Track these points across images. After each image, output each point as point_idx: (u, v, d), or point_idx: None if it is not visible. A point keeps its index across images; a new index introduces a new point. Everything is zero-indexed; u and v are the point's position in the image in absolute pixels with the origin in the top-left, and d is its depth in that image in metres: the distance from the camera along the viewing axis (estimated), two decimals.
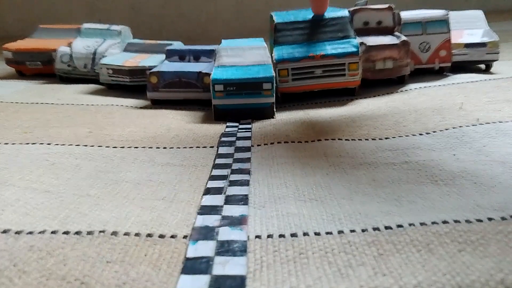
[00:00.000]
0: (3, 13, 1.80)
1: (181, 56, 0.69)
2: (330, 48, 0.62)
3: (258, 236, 0.28)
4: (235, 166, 0.41)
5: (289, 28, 0.66)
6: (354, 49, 0.61)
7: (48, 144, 0.47)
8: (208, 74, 0.61)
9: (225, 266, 0.25)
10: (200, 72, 0.63)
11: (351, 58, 0.61)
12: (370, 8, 0.70)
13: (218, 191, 0.35)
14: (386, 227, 0.28)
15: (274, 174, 0.38)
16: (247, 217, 0.31)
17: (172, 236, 0.29)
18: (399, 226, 0.28)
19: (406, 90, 0.65)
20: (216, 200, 0.34)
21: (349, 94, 0.65)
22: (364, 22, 0.70)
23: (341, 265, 0.25)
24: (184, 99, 0.64)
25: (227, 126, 0.54)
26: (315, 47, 0.63)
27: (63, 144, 0.47)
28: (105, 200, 0.34)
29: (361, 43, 0.64)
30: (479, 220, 0.29)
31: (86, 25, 0.89)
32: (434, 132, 0.47)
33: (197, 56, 0.69)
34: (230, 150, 0.45)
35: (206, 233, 0.29)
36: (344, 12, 0.67)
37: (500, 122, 0.48)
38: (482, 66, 0.75)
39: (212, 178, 0.38)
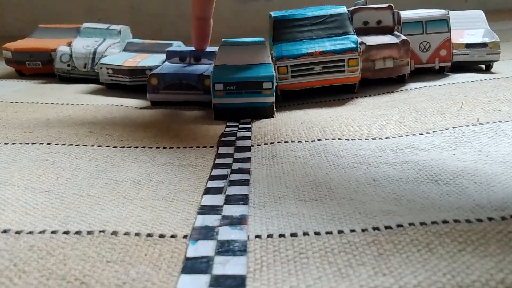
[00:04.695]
0: (3, 13, 1.80)
1: (182, 57, 0.69)
2: (329, 44, 0.62)
3: (258, 236, 0.28)
4: (235, 165, 0.41)
5: (288, 26, 0.66)
6: (353, 45, 0.61)
7: (48, 144, 0.47)
8: (209, 77, 0.61)
9: (225, 266, 0.25)
10: (200, 74, 0.62)
11: (350, 54, 0.61)
12: (370, 8, 0.70)
13: (218, 190, 0.35)
14: (386, 227, 0.28)
15: (274, 174, 0.38)
16: (247, 217, 0.31)
17: (172, 236, 0.29)
18: (399, 225, 0.28)
19: (406, 90, 0.65)
20: (216, 199, 0.34)
21: (349, 91, 0.65)
22: (363, 21, 0.70)
23: (341, 265, 0.25)
24: (184, 101, 0.64)
25: (227, 126, 0.54)
26: (314, 43, 0.63)
27: (63, 144, 0.47)
28: (105, 200, 0.34)
29: (361, 43, 0.64)
30: (479, 220, 0.29)
31: (85, 25, 0.89)
32: (434, 131, 0.47)
33: (197, 57, 0.69)
34: (230, 149, 0.45)
35: (206, 232, 0.29)
36: (343, 9, 0.67)
37: (500, 122, 0.48)
38: (482, 66, 0.75)
39: (212, 177, 0.38)
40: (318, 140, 0.46)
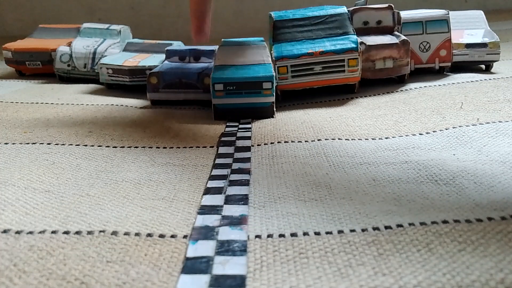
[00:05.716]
0: (3, 13, 1.80)
1: (181, 56, 0.69)
2: (329, 44, 0.62)
3: (258, 236, 0.28)
4: (235, 165, 0.41)
5: (288, 26, 0.66)
6: (353, 45, 0.61)
7: (48, 144, 0.47)
8: (208, 75, 0.61)
9: (225, 266, 0.25)
10: (200, 73, 0.63)
11: (350, 54, 0.61)
12: (370, 8, 0.70)
13: (218, 190, 0.35)
14: (386, 227, 0.28)
15: (274, 174, 0.38)
16: (247, 217, 0.31)
17: (172, 236, 0.29)
18: (399, 225, 0.28)
19: (406, 90, 0.65)
20: (216, 199, 0.34)
21: (349, 91, 0.65)
22: (363, 21, 0.70)
23: (341, 264, 0.25)
24: (184, 99, 0.64)
25: (227, 126, 0.54)
26: (314, 43, 0.63)
27: (63, 144, 0.47)
28: (105, 200, 0.34)
29: (361, 43, 0.64)
30: (479, 220, 0.29)
31: (85, 25, 0.89)
32: (434, 131, 0.47)
33: (197, 56, 0.69)
34: (230, 149, 0.45)
35: (206, 232, 0.29)
36: (343, 9, 0.67)
37: (500, 122, 0.48)
38: (482, 66, 0.75)
39: (212, 177, 0.38)
40: (318, 140, 0.46)
